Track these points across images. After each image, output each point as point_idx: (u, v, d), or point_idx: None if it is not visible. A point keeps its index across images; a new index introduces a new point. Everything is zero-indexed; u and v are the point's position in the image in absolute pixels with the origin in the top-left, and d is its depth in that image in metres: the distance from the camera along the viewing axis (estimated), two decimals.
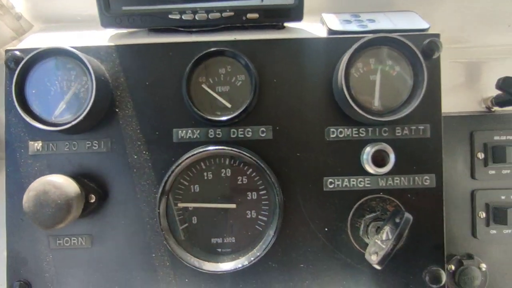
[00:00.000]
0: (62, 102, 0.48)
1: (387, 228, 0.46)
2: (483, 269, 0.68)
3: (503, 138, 0.68)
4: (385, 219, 0.47)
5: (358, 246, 0.50)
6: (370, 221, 0.50)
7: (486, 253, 0.68)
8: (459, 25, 0.65)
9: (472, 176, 0.68)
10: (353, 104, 0.46)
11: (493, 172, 0.68)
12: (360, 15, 0.56)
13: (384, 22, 0.53)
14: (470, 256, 0.68)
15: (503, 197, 0.68)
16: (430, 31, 0.56)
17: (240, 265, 0.48)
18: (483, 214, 0.68)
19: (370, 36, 0.46)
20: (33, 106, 0.48)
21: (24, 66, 0.46)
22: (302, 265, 0.50)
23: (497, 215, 0.67)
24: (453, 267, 0.68)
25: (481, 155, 0.68)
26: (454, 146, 0.68)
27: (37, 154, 0.50)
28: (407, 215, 0.44)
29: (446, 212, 0.67)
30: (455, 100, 0.70)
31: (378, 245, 0.46)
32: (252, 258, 0.48)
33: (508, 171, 0.68)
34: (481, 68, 0.70)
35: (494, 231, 0.68)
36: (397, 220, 0.45)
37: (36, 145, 0.50)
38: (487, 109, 0.69)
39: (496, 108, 0.68)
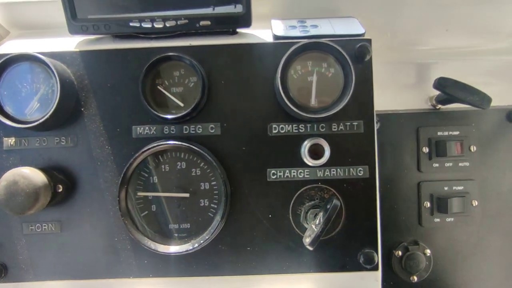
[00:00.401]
0: (32, 102, 0.54)
1: (320, 214, 0.52)
2: (428, 254, 0.74)
3: (445, 133, 0.73)
4: (321, 207, 0.53)
5: (299, 231, 0.56)
6: (309, 208, 0.55)
7: (431, 239, 0.74)
8: (404, 30, 0.70)
9: (418, 168, 0.73)
10: (288, 103, 0.52)
11: (437, 165, 0.73)
12: (306, 21, 0.62)
13: (326, 27, 0.59)
14: (415, 243, 0.74)
15: (446, 188, 0.73)
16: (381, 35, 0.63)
17: (190, 247, 0.53)
18: (428, 204, 0.73)
19: (304, 41, 0.52)
20: (6, 106, 0.54)
21: None
22: (249, 248, 0.56)
23: (440, 204, 0.73)
24: (400, 253, 0.74)
25: (426, 149, 0.73)
26: (402, 141, 0.74)
27: (10, 149, 0.56)
28: (335, 202, 0.50)
29: (395, 202, 0.74)
30: (404, 98, 0.76)
31: (312, 229, 0.52)
32: (201, 241, 0.54)
33: (451, 164, 0.73)
34: (428, 69, 0.75)
35: (438, 220, 0.73)
36: (328, 207, 0.51)
37: (9, 141, 0.56)
38: (432, 107, 0.75)
39: (440, 106, 0.74)
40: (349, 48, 0.55)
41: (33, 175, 0.51)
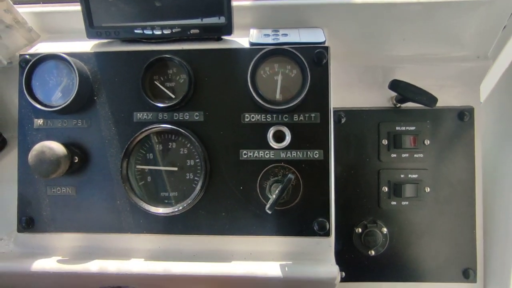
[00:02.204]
0: (57, 91, 0.69)
1: (279, 186, 0.64)
2: (384, 232, 0.85)
3: (403, 128, 0.84)
4: (282, 181, 0.66)
5: (264, 201, 0.68)
6: (273, 182, 0.68)
7: (388, 219, 0.85)
8: (368, 38, 0.82)
9: (379, 158, 0.85)
10: (257, 97, 0.64)
11: (394, 155, 0.84)
12: (279, 30, 0.74)
13: (294, 36, 0.71)
14: (374, 222, 0.85)
15: (402, 176, 0.84)
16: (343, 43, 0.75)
17: (176, 210, 0.67)
18: (386, 189, 0.85)
19: (269, 48, 0.64)
20: (37, 94, 0.69)
21: (31, 66, 0.67)
22: (223, 214, 0.69)
23: (396, 189, 0.84)
24: (360, 230, 0.85)
25: (385, 142, 0.84)
26: (365, 134, 0.85)
27: (39, 128, 0.71)
28: (290, 175, 0.62)
29: (358, 186, 0.85)
30: (370, 97, 0.87)
31: (272, 197, 0.64)
32: (185, 205, 0.67)
33: (407, 155, 0.84)
34: (391, 72, 0.85)
35: (394, 203, 0.84)
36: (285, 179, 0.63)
37: (39, 122, 0.71)
38: (393, 105, 0.86)
39: (399, 105, 0.85)
40: (309, 53, 0.67)
41: (56, 147, 0.66)
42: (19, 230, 0.72)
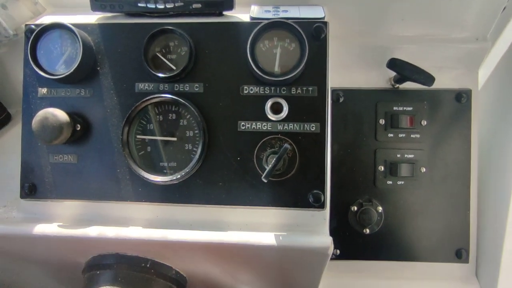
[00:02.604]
0: (61, 60, 0.71)
1: (275, 156, 0.66)
2: (379, 211, 0.86)
3: (400, 108, 0.85)
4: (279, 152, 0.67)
5: (261, 172, 0.69)
6: (270, 154, 0.69)
7: (383, 198, 0.86)
8: (368, 18, 0.83)
9: (375, 138, 0.86)
10: (256, 69, 0.66)
11: (391, 135, 0.85)
12: (280, 7, 0.75)
13: (294, 12, 0.72)
14: (369, 200, 0.86)
15: (398, 155, 0.85)
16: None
17: (174, 178, 0.68)
18: (382, 168, 0.86)
19: (269, 20, 0.66)
20: (42, 62, 0.70)
21: (36, 35, 0.69)
22: (220, 184, 0.70)
23: (392, 169, 0.85)
24: (355, 208, 0.86)
25: (382, 121, 0.86)
26: (363, 113, 0.86)
27: (43, 97, 0.73)
28: (286, 145, 0.64)
29: (354, 165, 0.86)
30: (369, 77, 0.88)
31: (269, 167, 0.66)
32: (183, 174, 0.68)
33: (404, 135, 0.85)
34: (391, 53, 0.86)
35: (390, 182, 0.86)
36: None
37: (43, 90, 0.73)
38: (391, 86, 0.87)
39: (398, 85, 0.86)
40: (308, 28, 0.68)
41: (59, 114, 0.67)
42: (21, 196, 0.74)
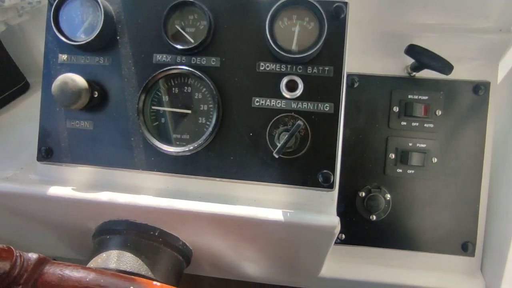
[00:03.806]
0: (82, 27, 0.72)
1: (286, 134, 0.66)
2: (388, 198, 0.86)
3: (415, 97, 0.84)
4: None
5: (272, 148, 0.70)
6: (282, 131, 0.69)
7: (392, 186, 0.86)
8: (387, 5, 0.82)
9: (388, 125, 0.85)
10: (274, 46, 0.66)
11: (404, 123, 0.85)
12: None
13: None
14: (378, 187, 0.86)
15: (410, 144, 0.85)
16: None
17: (186, 149, 0.69)
18: (392, 156, 0.85)
19: None
20: (63, 28, 0.72)
21: (59, 2, 0.70)
22: (231, 158, 0.71)
23: (403, 157, 0.84)
24: (363, 194, 0.86)
25: (396, 109, 0.85)
26: (377, 100, 0.86)
27: (63, 63, 0.74)
28: (299, 122, 0.64)
29: (365, 151, 0.86)
30: (385, 64, 0.87)
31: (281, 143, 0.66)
32: (196, 145, 0.69)
33: (417, 124, 0.84)
34: (409, 40, 0.85)
35: (400, 170, 0.85)
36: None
37: (63, 57, 0.74)
38: (408, 74, 0.86)
39: (414, 74, 0.85)
40: (328, 7, 0.68)
41: (78, 80, 0.69)
42: (38, 159, 0.76)
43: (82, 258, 1.01)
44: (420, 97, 0.84)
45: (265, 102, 0.70)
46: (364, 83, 0.86)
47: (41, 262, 0.45)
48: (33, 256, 0.45)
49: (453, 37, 0.83)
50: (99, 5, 0.70)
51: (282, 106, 0.70)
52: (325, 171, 0.70)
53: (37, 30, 0.94)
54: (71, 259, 1.30)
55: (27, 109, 1.01)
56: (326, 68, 0.69)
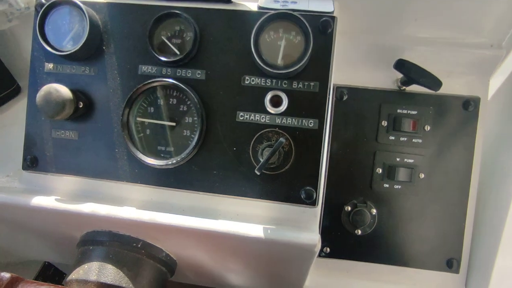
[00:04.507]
0: (68, 37, 0.72)
1: (270, 150, 0.66)
2: (373, 213, 0.85)
3: (404, 111, 0.83)
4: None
5: (256, 164, 0.70)
6: (266, 146, 0.69)
7: (378, 201, 0.85)
8: (379, 16, 0.80)
9: (376, 139, 0.85)
10: (258, 60, 0.65)
11: (392, 138, 0.84)
12: None
13: (303, 4, 0.71)
14: (364, 202, 0.86)
15: (398, 159, 0.84)
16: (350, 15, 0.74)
17: (170, 163, 0.69)
18: (379, 170, 0.85)
19: (275, 12, 0.65)
20: (49, 38, 0.72)
21: (45, 10, 0.70)
22: (215, 172, 0.71)
23: (390, 172, 0.83)
24: (349, 208, 0.86)
25: (384, 123, 0.84)
26: (366, 113, 0.85)
27: (49, 72, 0.74)
28: (281, 139, 0.64)
29: (352, 165, 0.86)
30: (375, 77, 0.86)
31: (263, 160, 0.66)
32: (179, 159, 0.69)
33: (405, 139, 0.84)
34: (399, 53, 0.84)
35: (387, 185, 0.84)
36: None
37: (49, 66, 0.74)
38: (398, 87, 0.85)
39: (404, 87, 0.84)
40: (315, 21, 0.67)
41: (63, 91, 0.69)
42: (23, 168, 0.76)
43: (70, 263, 1.01)
44: (409, 111, 0.83)
45: (250, 117, 0.70)
46: (353, 96, 0.85)
47: (14, 281, 0.45)
48: (5, 275, 0.45)
49: (444, 51, 0.82)
50: (84, 14, 0.69)
51: (267, 121, 0.70)
52: (308, 187, 0.69)
53: (27, 34, 0.93)
54: (60, 264, 1.31)
55: (18, 113, 1.01)
56: (312, 84, 0.69)
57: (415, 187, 0.84)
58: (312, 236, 0.66)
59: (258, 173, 0.65)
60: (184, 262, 0.82)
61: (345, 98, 0.85)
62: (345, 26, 0.79)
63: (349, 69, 0.85)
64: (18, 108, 1.04)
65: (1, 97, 1.02)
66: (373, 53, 0.85)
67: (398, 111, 0.83)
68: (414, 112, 0.83)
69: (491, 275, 0.79)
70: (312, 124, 0.69)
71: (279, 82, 0.69)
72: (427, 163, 0.83)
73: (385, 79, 0.85)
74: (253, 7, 0.72)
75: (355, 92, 0.85)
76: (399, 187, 0.84)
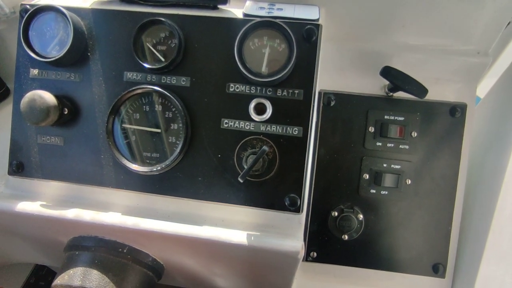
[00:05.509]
0: (52, 43, 0.71)
1: (254, 157, 0.66)
2: (360, 218, 0.85)
3: (391, 118, 0.83)
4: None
5: (240, 171, 0.70)
6: (250, 154, 0.69)
7: (365, 207, 0.85)
8: (367, 22, 0.80)
9: (363, 145, 0.85)
10: (242, 68, 0.65)
11: (379, 144, 0.84)
12: (275, 5, 0.74)
13: (288, 11, 0.71)
14: (351, 207, 0.86)
15: (384, 165, 0.84)
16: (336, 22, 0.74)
17: (155, 169, 0.69)
18: (366, 176, 0.85)
19: (259, 19, 0.64)
20: (34, 44, 0.71)
21: (29, 15, 0.69)
22: (200, 178, 0.71)
23: (376, 178, 0.84)
24: (336, 213, 0.86)
25: (371, 129, 0.84)
26: (353, 119, 0.85)
27: (34, 78, 0.74)
28: (264, 147, 0.64)
29: (339, 171, 0.86)
30: (363, 83, 0.86)
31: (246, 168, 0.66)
32: (163, 166, 0.69)
33: (392, 145, 0.84)
34: (387, 59, 0.84)
35: (374, 191, 0.85)
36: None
37: (34, 71, 0.74)
38: (385, 93, 0.85)
39: (391, 94, 0.84)
40: (299, 29, 0.67)
41: (47, 97, 0.68)
42: (9, 173, 0.76)
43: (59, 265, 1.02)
44: (396, 117, 0.83)
45: (234, 124, 0.70)
46: (341, 102, 0.85)
47: None
48: None
49: (432, 58, 0.82)
50: (68, 20, 0.69)
51: (251, 128, 0.70)
52: (292, 194, 0.70)
53: (15, 37, 0.93)
54: (51, 267, 1.31)
55: (7, 116, 1.01)
56: (296, 91, 0.69)
57: (402, 193, 0.84)
58: (295, 243, 0.66)
59: (241, 181, 0.65)
60: (171, 266, 0.83)
61: (332, 103, 0.85)
62: (333, 32, 0.79)
63: (337, 75, 0.85)
64: (7, 111, 1.04)
65: None
66: (361, 59, 0.85)
67: (385, 117, 0.83)
68: (401, 118, 0.83)
69: (476, 280, 0.80)
70: (297, 132, 0.69)
71: (264, 89, 0.69)
72: (414, 169, 0.84)
73: (373, 85, 0.85)
74: (239, 14, 0.72)
75: (342, 98, 0.85)
76: (386, 192, 0.84)
